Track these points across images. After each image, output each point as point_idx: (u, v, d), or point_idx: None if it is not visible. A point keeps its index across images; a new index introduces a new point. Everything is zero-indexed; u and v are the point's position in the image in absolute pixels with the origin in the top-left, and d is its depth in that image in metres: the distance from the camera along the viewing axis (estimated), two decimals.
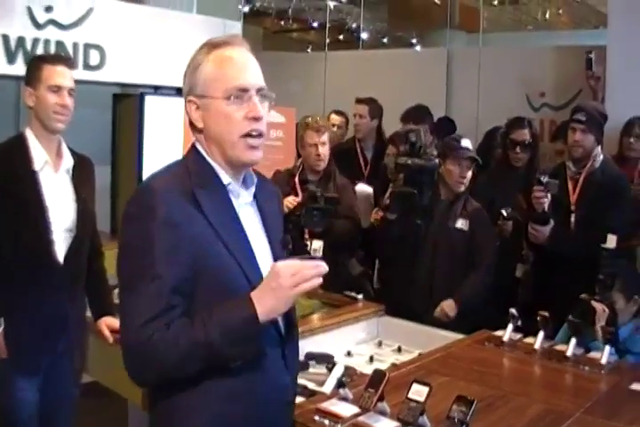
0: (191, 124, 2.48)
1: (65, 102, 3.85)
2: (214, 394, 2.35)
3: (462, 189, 5.20)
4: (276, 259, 2.49)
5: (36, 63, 3.93)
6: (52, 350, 3.91)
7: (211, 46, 2.45)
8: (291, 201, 5.39)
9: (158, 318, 2.19)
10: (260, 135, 2.43)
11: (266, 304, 2.22)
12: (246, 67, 2.45)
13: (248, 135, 2.41)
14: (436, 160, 5.17)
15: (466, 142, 5.26)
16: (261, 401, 2.45)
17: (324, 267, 2.26)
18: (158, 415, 2.46)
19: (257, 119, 2.41)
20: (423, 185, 5.05)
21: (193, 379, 2.29)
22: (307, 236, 4.94)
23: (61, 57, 4.10)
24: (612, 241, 4.42)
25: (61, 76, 3.87)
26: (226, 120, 2.40)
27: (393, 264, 5.25)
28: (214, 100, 2.39)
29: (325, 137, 5.70)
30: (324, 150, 5.69)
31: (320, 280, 2.26)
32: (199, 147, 2.48)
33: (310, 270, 2.23)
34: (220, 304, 2.24)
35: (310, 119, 5.72)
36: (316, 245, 4.82)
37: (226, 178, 2.46)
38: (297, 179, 5.77)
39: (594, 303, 4.12)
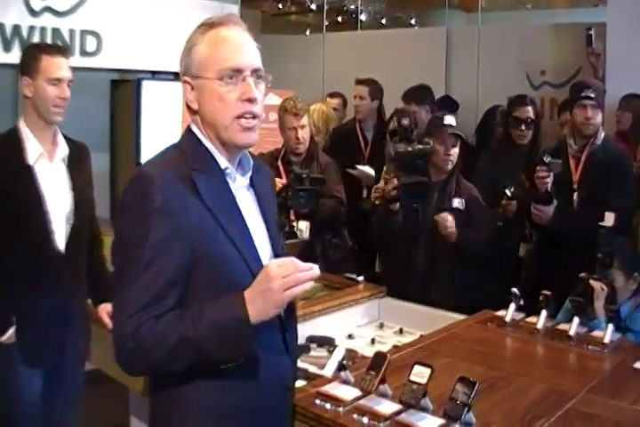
0: (187, 105, 2.46)
1: (65, 95, 3.86)
2: (215, 381, 2.34)
3: (450, 166, 5.10)
4: (272, 242, 2.49)
5: (33, 53, 3.89)
6: (57, 338, 3.92)
7: (207, 26, 2.42)
8: (276, 183, 5.38)
9: (146, 309, 2.17)
10: (254, 117, 2.40)
11: (257, 306, 2.20)
12: (241, 47, 2.42)
13: (241, 117, 2.38)
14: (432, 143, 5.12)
15: (449, 119, 5.17)
16: (262, 387, 2.44)
17: (316, 271, 2.23)
18: (158, 403, 2.46)
19: (251, 101, 2.38)
20: (422, 170, 5.01)
21: (191, 369, 2.27)
22: (292, 217, 4.96)
23: (59, 47, 4.08)
24: (609, 219, 4.40)
25: (61, 67, 3.86)
26: (219, 101, 2.37)
27: (393, 249, 5.21)
28: (208, 80, 2.36)
29: (304, 120, 5.76)
30: (304, 133, 5.75)
31: (312, 284, 2.24)
32: (195, 129, 2.46)
33: (303, 274, 2.20)
34: (213, 301, 2.22)
35: (289, 103, 5.77)
36: (302, 225, 4.85)
37: (223, 162, 2.44)
38: (280, 161, 5.83)
39: (592, 282, 4.10)
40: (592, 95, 5.00)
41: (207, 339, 2.17)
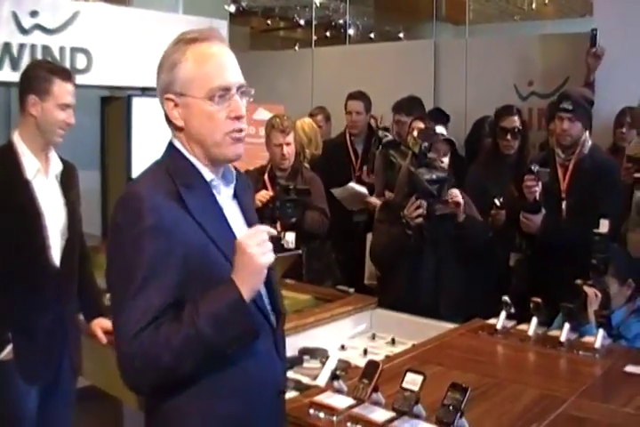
0: (169, 121, 2.45)
1: (72, 121, 3.95)
2: (212, 389, 2.35)
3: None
4: None
5: (45, 74, 3.90)
6: (53, 353, 3.94)
7: (186, 42, 2.41)
8: (263, 195, 5.57)
9: (149, 327, 2.17)
10: (240, 130, 2.42)
11: (245, 280, 2.25)
12: (227, 64, 2.42)
13: (231, 132, 2.40)
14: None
15: (440, 129, 5.19)
16: (258, 392, 2.46)
17: (270, 230, 2.33)
18: (155, 415, 2.44)
19: (239, 118, 2.41)
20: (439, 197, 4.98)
21: (188, 378, 2.28)
22: (279, 228, 5.00)
23: (69, 72, 4.10)
24: (604, 226, 4.42)
25: (71, 93, 3.94)
26: (209, 120, 2.38)
27: (398, 264, 5.17)
28: (196, 99, 2.37)
29: (290, 137, 5.86)
30: (289, 150, 5.86)
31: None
32: (178, 145, 2.46)
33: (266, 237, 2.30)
34: (204, 295, 2.24)
35: (276, 120, 5.84)
36: (289, 237, 4.89)
37: (208, 174, 2.45)
38: (266, 176, 5.94)
39: (586, 288, 4.13)
40: (569, 107, 5.03)
41: (210, 330, 2.18)
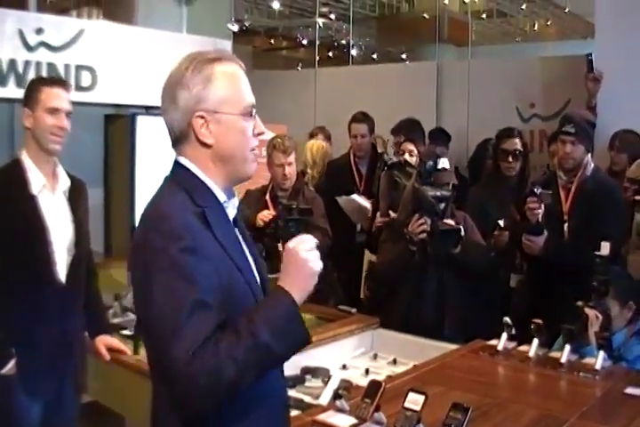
0: (198, 139, 2.41)
1: (62, 124, 3.91)
2: (232, 407, 2.31)
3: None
4: (256, 263, 2.54)
5: (34, 85, 3.99)
6: (57, 369, 3.94)
7: (210, 60, 2.42)
8: (265, 215, 5.65)
9: (208, 344, 2.13)
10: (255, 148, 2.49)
11: (297, 286, 2.28)
12: (248, 84, 2.47)
13: (253, 149, 2.46)
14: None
15: (443, 163, 5.01)
16: (271, 406, 2.47)
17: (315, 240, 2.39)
18: None
19: (261, 135, 2.46)
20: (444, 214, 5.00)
21: None
22: (281, 248, 5.01)
23: (59, 80, 4.14)
24: (605, 248, 4.44)
25: (58, 98, 3.93)
26: (243, 136, 2.41)
27: (402, 283, 5.18)
28: (232, 116, 2.39)
29: (292, 158, 5.92)
30: (291, 170, 5.92)
31: None
32: (188, 164, 2.43)
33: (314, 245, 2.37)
34: (255, 307, 2.27)
35: (277, 140, 5.91)
36: None
37: (221, 195, 2.44)
38: (268, 196, 5.99)
39: (587, 310, 4.14)
40: (571, 131, 5.05)
41: (269, 339, 2.16)
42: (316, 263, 2.33)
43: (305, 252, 2.31)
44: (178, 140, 2.44)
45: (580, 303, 4.20)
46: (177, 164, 2.45)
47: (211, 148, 2.40)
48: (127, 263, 2.55)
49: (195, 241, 2.22)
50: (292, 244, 2.34)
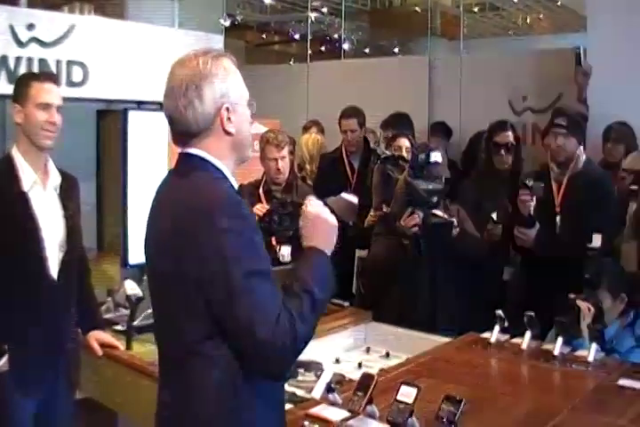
0: (224, 129, 2.59)
1: (54, 120, 3.89)
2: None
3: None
4: None
5: (24, 80, 3.98)
6: (50, 366, 3.92)
7: (218, 56, 2.61)
8: (259, 208, 5.62)
9: (281, 309, 2.33)
10: None
11: (326, 243, 2.64)
12: None
13: None
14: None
15: (435, 156, 4.99)
16: (280, 400, 2.67)
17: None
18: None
19: (252, 124, 2.74)
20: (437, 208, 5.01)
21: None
22: (274, 242, 5.02)
23: (49, 74, 4.14)
24: (597, 240, 4.45)
25: (49, 93, 3.91)
26: (249, 125, 2.68)
27: (395, 278, 5.19)
28: (243, 106, 2.64)
29: (285, 152, 5.93)
30: (284, 164, 5.93)
31: None
32: (206, 156, 2.58)
33: None
34: (301, 268, 2.55)
35: (270, 135, 5.94)
36: (285, 250, 4.90)
37: (235, 183, 2.63)
38: (261, 190, 6.01)
39: (579, 302, 4.15)
40: (563, 123, 5.06)
41: (320, 292, 2.45)
42: (334, 220, 2.71)
43: (325, 213, 2.69)
44: (198, 133, 2.57)
45: (572, 296, 4.21)
46: (191, 155, 2.60)
47: (232, 136, 2.61)
48: (152, 252, 2.63)
49: (254, 220, 2.49)
50: (311, 209, 2.71)
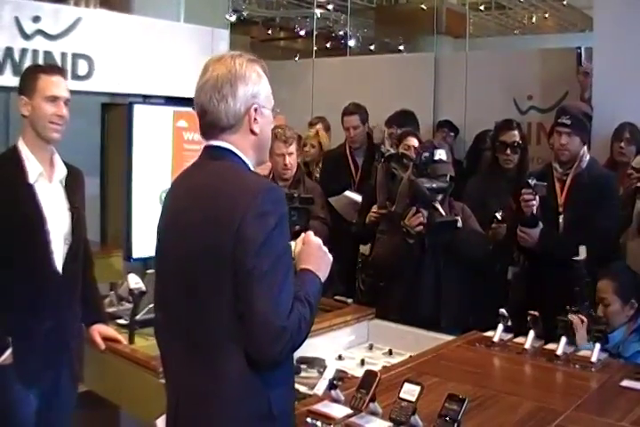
0: (251, 130, 2.74)
1: (62, 113, 3.88)
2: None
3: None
4: None
5: (31, 73, 3.96)
6: (54, 361, 3.92)
7: (252, 60, 2.77)
8: None
9: (292, 308, 2.49)
10: None
11: (322, 271, 2.78)
12: None
13: None
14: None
15: (440, 154, 5.04)
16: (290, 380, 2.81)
17: None
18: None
19: None
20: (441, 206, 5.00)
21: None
22: None
23: (57, 67, 4.12)
24: (582, 253, 4.47)
25: (58, 86, 3.91)
26: (270, 128, 2.84)
27: (400, 275, 5.19)
28: (268, 110, 2.79)
29: (293, 148, 5.97)
30: (292, 160, 5.97)
31: None
32: (235, 149, 2.73)
33: None
34: (302, 282, 2.65)
35: (279, 131, 5.88)
36: (291, 245, 4.91)
37: None
38: None
39: (570, 316, 4.11)
40: (567, 122, 5.04)
41: (315, 303, 2.61)
42: (329, 256, 2.84)
43: (324, 248, 2.82)
44: (227, 127, 2.71)
45: (559, 317, 4.16)
46: (218, 147, 2.74)
47: (256, 136, 2.76)
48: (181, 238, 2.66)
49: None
50: (314, 238, 2.85)
